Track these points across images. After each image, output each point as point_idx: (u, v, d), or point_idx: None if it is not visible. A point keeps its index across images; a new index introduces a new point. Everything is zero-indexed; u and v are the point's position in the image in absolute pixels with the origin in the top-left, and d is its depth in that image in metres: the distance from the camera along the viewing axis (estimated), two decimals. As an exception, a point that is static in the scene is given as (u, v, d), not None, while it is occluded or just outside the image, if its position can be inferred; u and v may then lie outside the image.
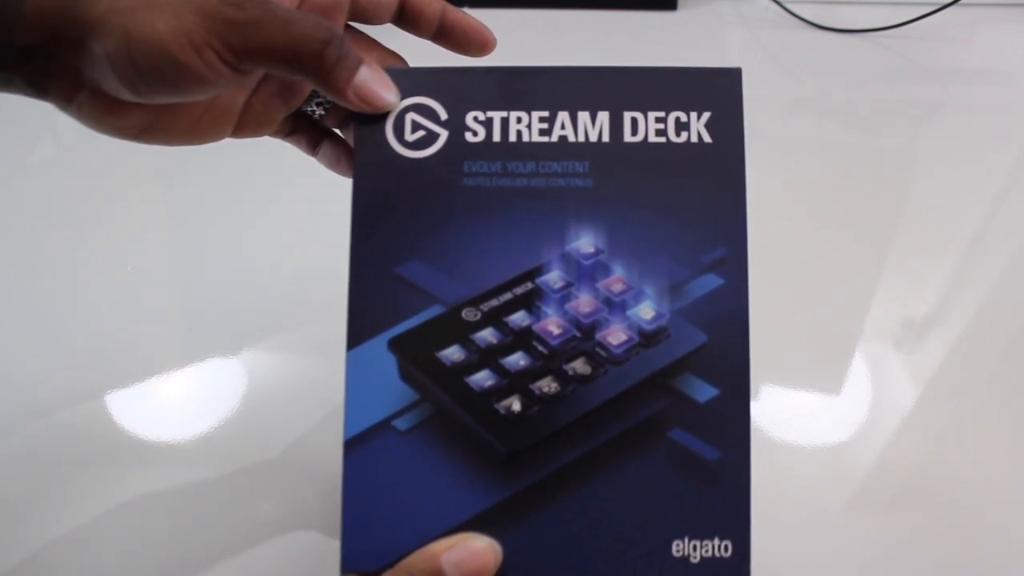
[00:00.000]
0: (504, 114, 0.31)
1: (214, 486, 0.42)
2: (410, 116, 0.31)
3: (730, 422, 0.30)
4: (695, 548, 0.29)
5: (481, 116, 0.31)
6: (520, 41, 0.73)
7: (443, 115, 0.31)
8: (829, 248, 0.55)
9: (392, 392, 0.30)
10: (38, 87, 0.28)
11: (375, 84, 0.30)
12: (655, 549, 0.29)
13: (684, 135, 0.31)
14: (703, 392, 0.30)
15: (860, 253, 0.54)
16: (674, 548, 0.29)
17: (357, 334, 0.31)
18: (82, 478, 0.43)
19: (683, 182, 0.31)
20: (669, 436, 0.30)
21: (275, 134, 0.35)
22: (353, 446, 0.30)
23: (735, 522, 0.30)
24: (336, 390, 0.39)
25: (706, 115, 0.31)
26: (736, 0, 0.76)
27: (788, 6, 0.74)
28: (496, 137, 0.31)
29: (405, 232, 0.31)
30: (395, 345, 0.30)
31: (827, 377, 0.47)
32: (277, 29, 0.27)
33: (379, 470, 0.30)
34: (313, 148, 0.36)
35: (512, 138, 0.31)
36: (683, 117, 0.31)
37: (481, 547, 0.29)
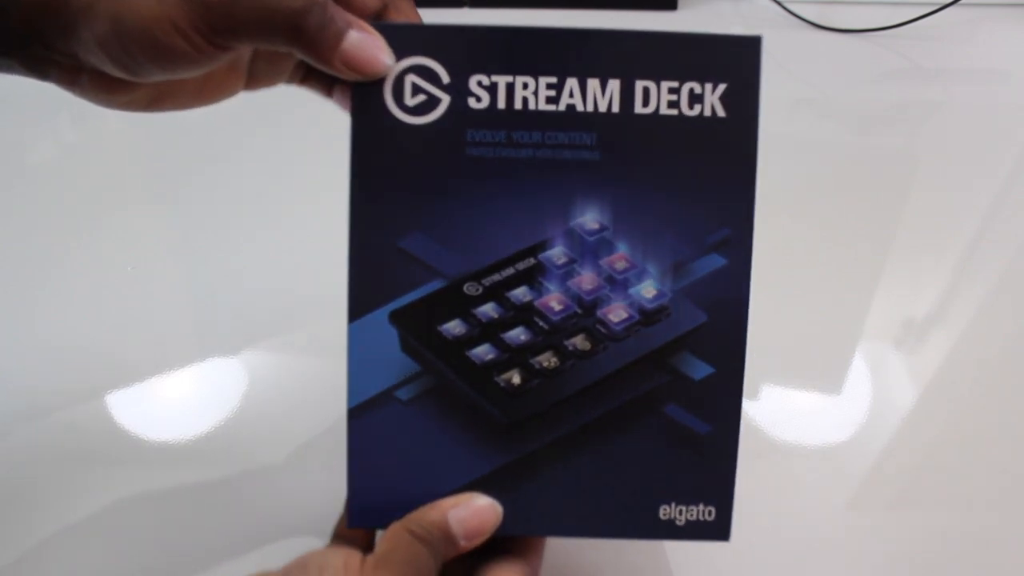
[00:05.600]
0: (510, 79, 0.29)
1: (215, 486, 0.42)
2: (410, 78, 0.29)
3: (723, 399, 0.31)
4: (681, 512, 0.32)
5: (485, 80, 0.29)
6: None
7: (445, 78, 0.29)
8: (829, 248, 0.55)
9: (394, 364, 0.31)
10: (38, 71, 0.28)
11: (365, 50, 0.28)
12: (644, 512, 0.31)
13: (697, 108, 0.29)
14: (699, 370, 0.31)
15: (860, 253, 0.54)
16: (661, 512, 0.31)
17: (358, 307, 0.31)
18: (82, 478, 0.43)
19: (693, 158, 0.30)
20: (664, 411, 0.31)
21: (289, 81, 0.35)
22: (357, 414, 0.31)
23: (720, 490, 0.32)
24: (338, 390, 0.39)
25: (721, 87, 0.29)
26: (736, 0, 0.76)
27: (788, 6, 0.73)
28: (501, 104, 0.29)
29: (406, 203, 0.30)
30: (396, 318, 0.30)
31: (827, 377, 0.47)
32: (251, 4, 0.26)
33: (383, 437, 0.31)
34: (328, 91, 0.35)
35: (518, 105, 0.29)
36: (697, 88, 0.29)
37: (483, 505, 0.30)
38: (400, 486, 0.31)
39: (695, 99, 0.30)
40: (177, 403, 0.46)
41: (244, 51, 0.32)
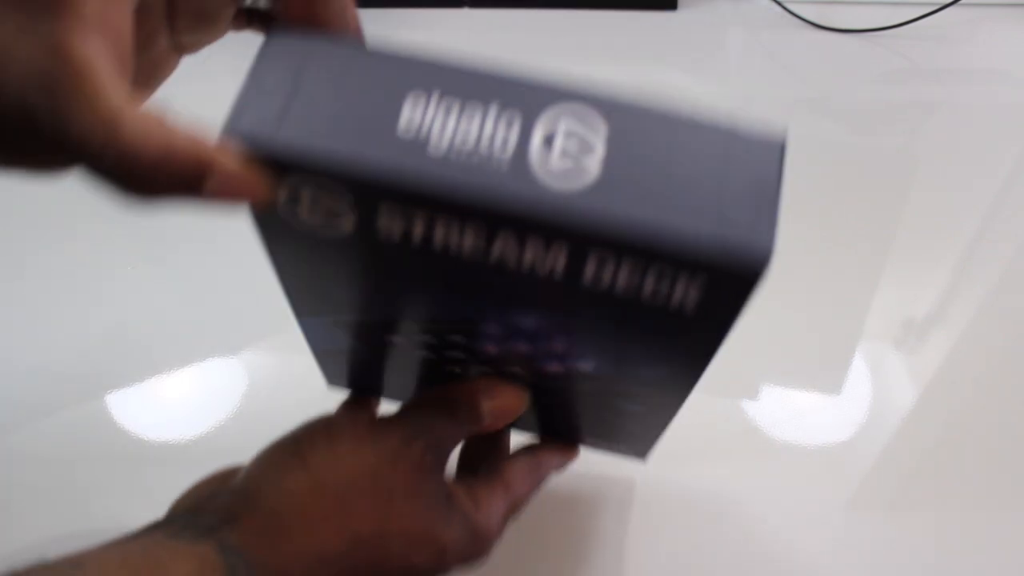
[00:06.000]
0: (428, 214, 0.21)
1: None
2: (307, 191, 0.22)
3: (656, 420, 0.33)
4: (604, 444, 0.38)
5: (398, 210, 0.21)
6: (520, 41, 0.73)
7: (348, 197, 0.22)
8: (829, 248, 0.55)
9: (344, 341, 0.32)
10: None
11: (227, 196, 0.21)
12: (573, 438, 0.37)
13: (662, 297, 0.22)
14: (632, 405, 0.31)
15: (860, 253, 0.54)
16: (587, 440, 0.37)
17: (300, 313, 0.31)
18: (82, 478, 0.43)
19: (645, 338, 0.25)
20: (598, 411, 0.33)
21: (235, 30, 0.29)
22: (319, 352, 0.34)
23: (643, 443, 0.36)
24: (337, 389, 0.38)
25: (700, 282, 0.21)
26: (736, 0, 0.76)
27: (788, 6, 0.73)
28: (416, 241, 0.22)
29: (336, 290, 0.28)
30: (340, 325, 0.31)
31: (827, 377, 0.47)
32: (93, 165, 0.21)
33: (346, 361, 0.34)
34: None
35: (437, 246, 0.22)
36: (668, 273, 0.21)
37: (512, 389, 0.32)
38: (366, 380, 0.35)
39: (661, 287, 0.22)
40: (177, 403, 0.46)
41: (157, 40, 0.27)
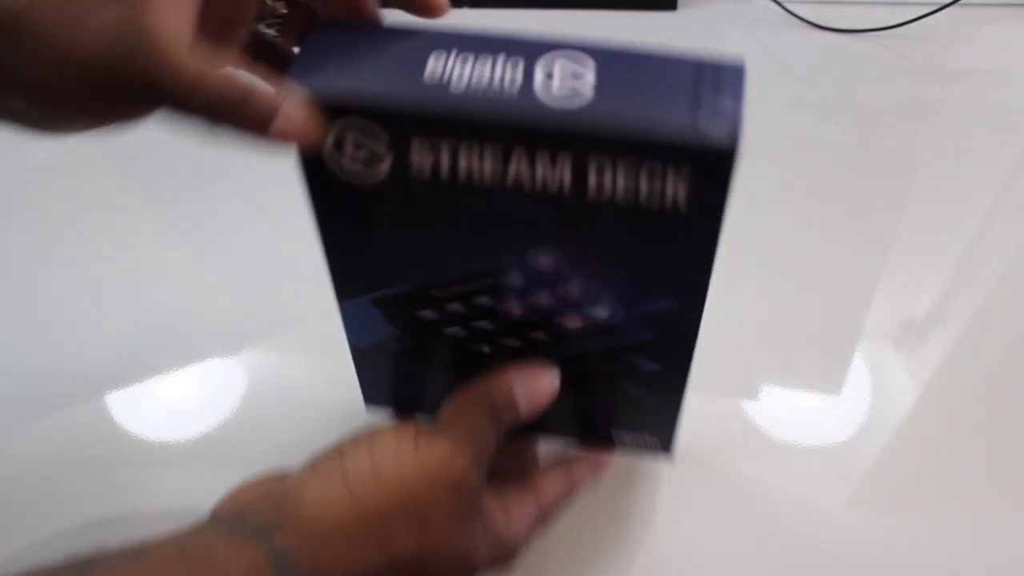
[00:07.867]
0: (453, 142, 0.26)
1: (215, 486, 0.42)
2: (351, 136, 0.26)
3: (669, 383, 0.35)
4: (629, 436, 0.39)
5: (427, 143, 0.26)
6: (520, 41, 0.73)
7: (385, 137, 0.26)
8: (829, 248, 0.55)
9: (382, 328, 0.35)
10: None
11: (290, 132, 0.25)
12: (603, 433, 0.39)
13: (656, 197, 0.26)
14: (647, 366, 0.34)
15: (860, 253, 0.54)
16: (613, 432, 0.39)
17: (342, 294, 0.33)
18: (82, 478, 0.43)
19: (649, 247, 0.28)
20: (616, 382, 0.35)
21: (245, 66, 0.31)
22: (357, 353, 0.37)
23: (664, 428, 0.38)
24: (336, 389, 0.38)
25: (686, 173, 0.25)
26: (736, 0, 0.76)
27: (788, 6, 0.73)
28: (444, 175, 0.27)
29: (369, 250, 0.31)
30: (378, 303, 0.33)
31: (827, 377, 0.47)
32: (199, 96, 0.24)
33: (383, 365, 0.37)
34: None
35: (462, 176, 0.27)
36: (658, 172, 0.25)
37: (545, 373, 0.33)
38: (404, 393, 0.39)
39: (654, 186, 0.26)
40: (177, 403, 0.47)
41: None
